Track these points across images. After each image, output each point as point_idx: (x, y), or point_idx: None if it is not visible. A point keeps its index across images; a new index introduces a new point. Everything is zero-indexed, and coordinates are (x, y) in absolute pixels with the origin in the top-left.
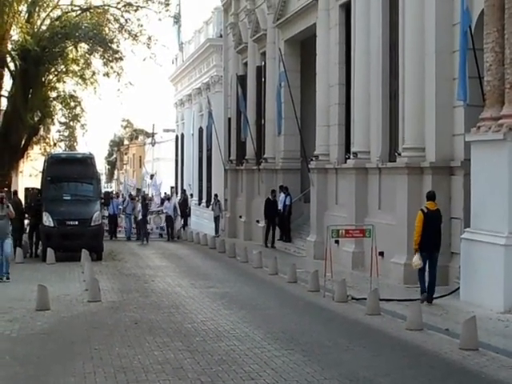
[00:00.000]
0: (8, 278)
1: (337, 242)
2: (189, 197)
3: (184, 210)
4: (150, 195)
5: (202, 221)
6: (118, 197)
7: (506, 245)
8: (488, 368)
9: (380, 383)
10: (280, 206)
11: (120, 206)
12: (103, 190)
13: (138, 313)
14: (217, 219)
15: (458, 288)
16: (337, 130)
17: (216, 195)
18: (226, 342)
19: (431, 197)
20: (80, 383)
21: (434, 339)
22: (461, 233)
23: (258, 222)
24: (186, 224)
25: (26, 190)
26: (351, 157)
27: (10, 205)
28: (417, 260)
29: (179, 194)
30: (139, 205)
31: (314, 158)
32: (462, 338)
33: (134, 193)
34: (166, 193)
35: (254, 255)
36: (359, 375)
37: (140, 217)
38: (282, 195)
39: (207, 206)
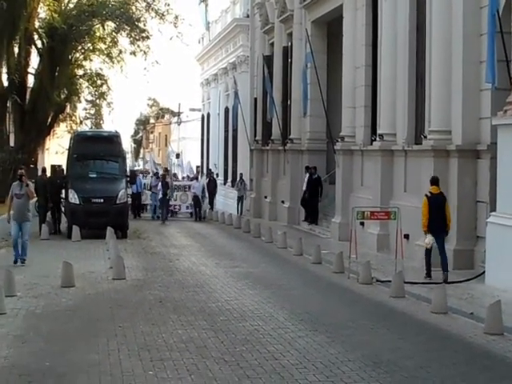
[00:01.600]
0: (23, 263)
1: (362, 223)
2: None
3: (212, 191)
4: (176, 174)
5: (227, 200)
6: (146, 174)
7: None
8: None
9: (404, 366)
10: (305, 187)
11: (144, 182)
12: (129, 168)
13: (163, 291)
14: (241, 199)
15: (484, 272)
16: (363, 112)
17: (241, 175)
18: (249, 322)
19: (435, 181)
20: (104, 360)
21: (458, 323)
22: (486, 217)
23: (283, 202)
24: (212, 205)
25: (52, 167)
26: (377, 139)
27: (29, 183)
28: (429, 240)
29: (204, 175)
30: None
31: (339, 140)
32: (487, 322)
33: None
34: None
35: (279, 235)
36: (383, 357)
37: (160, 195)
38: (307, 176)
39: (232, 186)
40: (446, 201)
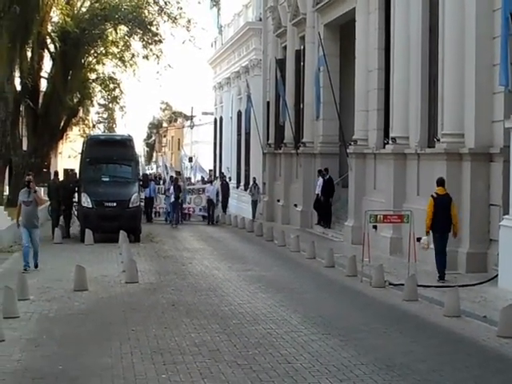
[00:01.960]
0: (36, 267)
1: (375, 227)
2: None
3: (225, 194)
4: (189, 178)
5: (240, 204)
6: (159, 180)
7: None
8: None
9: (417, 369)
10: (318, 191)
11: (158, 186)
12: (141, 172)
13: (175, 295)
14: (255, 203)
15: (497, 275)
16: (375, 115)
17: (254, 179)
18: (262, 326)
19: (441, 183)
20: (117, 364)
21: (471, 326)
22: (499, 220)
23: (295, 206)
24: (225, 209)
25: (65, 171)
26: (390, 142)
27: (37, 189)
28: (425, 241)
29: (218, 179)
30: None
31: (352, 143)
32: (500, 326)
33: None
34: (207, 176)
35: (292, 239)
36: (396, 361)
37: (173, 199)
38: (320, 179)
39: (245, 190)
40: (451, 202)
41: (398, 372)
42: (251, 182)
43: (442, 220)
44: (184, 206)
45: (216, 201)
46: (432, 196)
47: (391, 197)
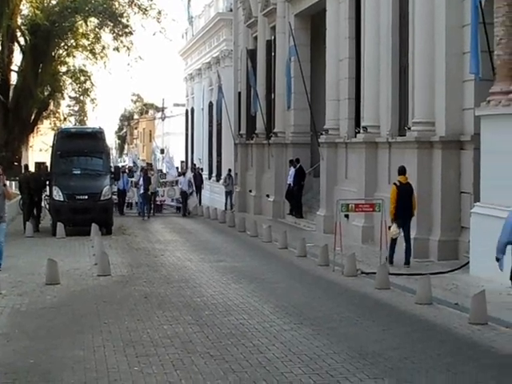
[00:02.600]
0: None
1: (346, 216)
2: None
3: (199, 185)
4: (163, 170)
5: (212, 195)
6: (130, 172)
7: None
8: (497, 342)
9: (389, 357)
10: (289, 181)
11: (131, 179)
12: (113, 165)
13: (148, 287)
14: (229, 194)
15: (468, 262)
16: (347, 105)
17: (229, 170)
18: (235, 316)
19: (402, 171)
20: (89, 357)
21: (443, 313)
22: (470, 207)
23: (267, 196)
24: (200, 200)
25: (36, 164)
26: (361, 131)
27: (7, 183)
28: (395, 229)
29: (189, 169)
30: (153, 178)
31: (323, 133)
32: (472, 313)
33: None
34: (180, 167)
35: (264, 229)
36: (368, 349)
37: (142, 191)
38: (292, 169)
39: (217, 181)
40: (413, 190)
41: (370, 360)
42: (225, 173)
43: (404, 208)
44: (157, 198)
45: (190, 192)
46: (395, 184)
47: (363, 186)
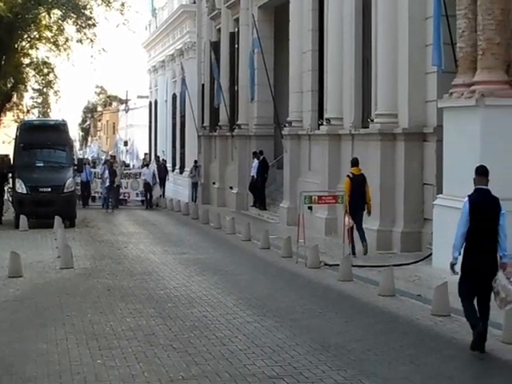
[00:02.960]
0: None
1: (310, 208)
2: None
3: (164, 177)
4: (126, 162)
5: (175, 187)
6: (93, 165)
7: None
8: (459, 333)
9: (352, 349)
10: (253, 173)
11: (94, 171)
12: (76, 157)
13: (111, 279)
14: (195, 185)
15: (431, 254)
16: (310, 97)
17: (196, 161)
18: (198, 308)
19: (355, 163)
20: (52, 349)
21: (406, 305)
22: (433, 199)
23: (231, 188)
24: (164, 192)
25: None
26: (324, 123)
27: None
28: (349, 220)
29: (153, 161)
30: (118, 171)
31: (287, 125)
32: (434, 304)
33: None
34: (144, 159)
35: (227, 221)
36: (331, 341)
37: (107, 183)
38: (256, 161)
39: (181, 173)
40: (366, 181)
41: (333, 352)
42: (190, 165)
43: (357, 199)
44: (121, 190)
45: (153, 184)
46: (348, 176)
47: (326, 178)
